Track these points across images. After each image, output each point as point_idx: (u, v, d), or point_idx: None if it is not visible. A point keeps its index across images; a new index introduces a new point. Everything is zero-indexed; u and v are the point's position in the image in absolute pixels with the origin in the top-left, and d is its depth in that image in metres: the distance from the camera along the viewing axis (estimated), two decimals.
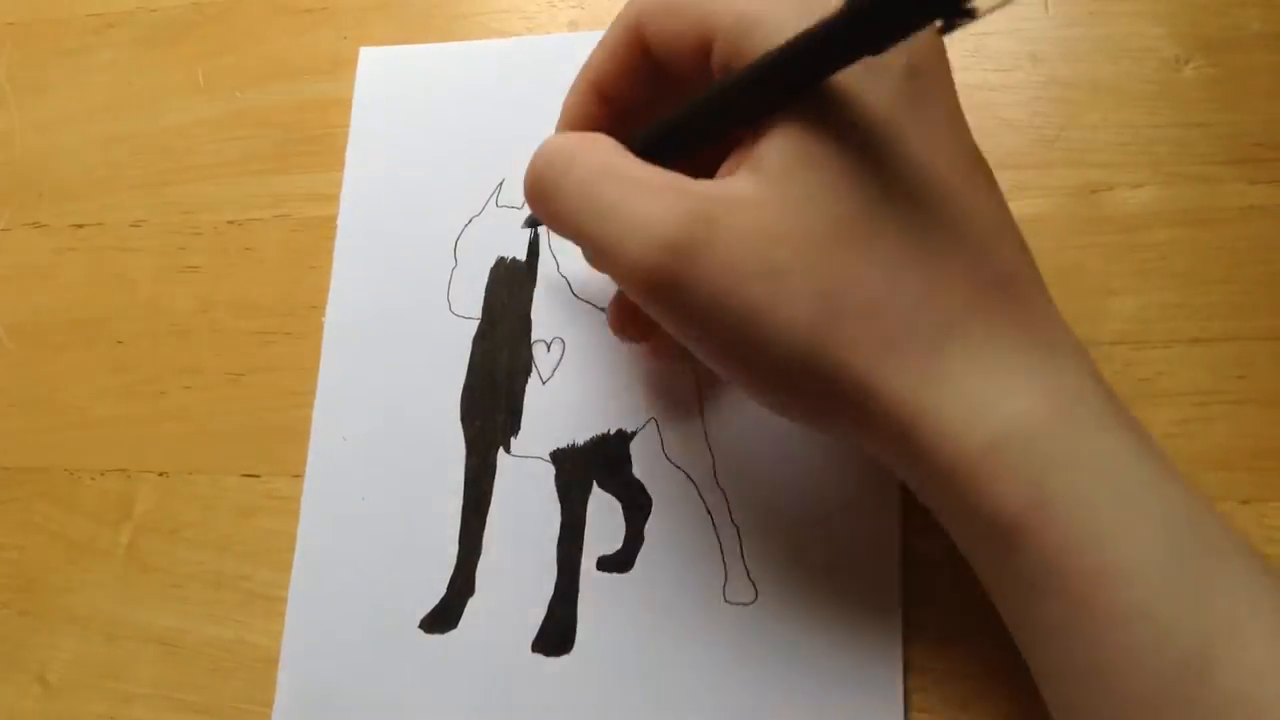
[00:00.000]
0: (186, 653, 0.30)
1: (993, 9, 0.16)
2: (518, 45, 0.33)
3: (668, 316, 0.19)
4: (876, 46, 0.17)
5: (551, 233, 0.29)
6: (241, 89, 0.35)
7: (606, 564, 0.28)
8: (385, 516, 0.30)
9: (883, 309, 0.18)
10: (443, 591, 0.29)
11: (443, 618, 0.28)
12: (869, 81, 0.19)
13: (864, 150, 0.18)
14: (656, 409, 0.29)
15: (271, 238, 0.33)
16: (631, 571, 0.28)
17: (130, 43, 0.37)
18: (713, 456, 0.28)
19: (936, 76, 0.20)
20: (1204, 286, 0.27)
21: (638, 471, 0.29)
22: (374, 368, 0.31)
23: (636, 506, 0.28)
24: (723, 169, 0.20)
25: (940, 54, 0.20)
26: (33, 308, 0.35)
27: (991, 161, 0.28)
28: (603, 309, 0.29)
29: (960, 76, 0.29)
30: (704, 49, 0.20)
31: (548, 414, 0.29)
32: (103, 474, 0.33)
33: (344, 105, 0.34)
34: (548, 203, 0.20)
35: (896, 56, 0.18)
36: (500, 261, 0.31)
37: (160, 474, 0.32)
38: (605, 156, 0.20)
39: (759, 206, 0.18)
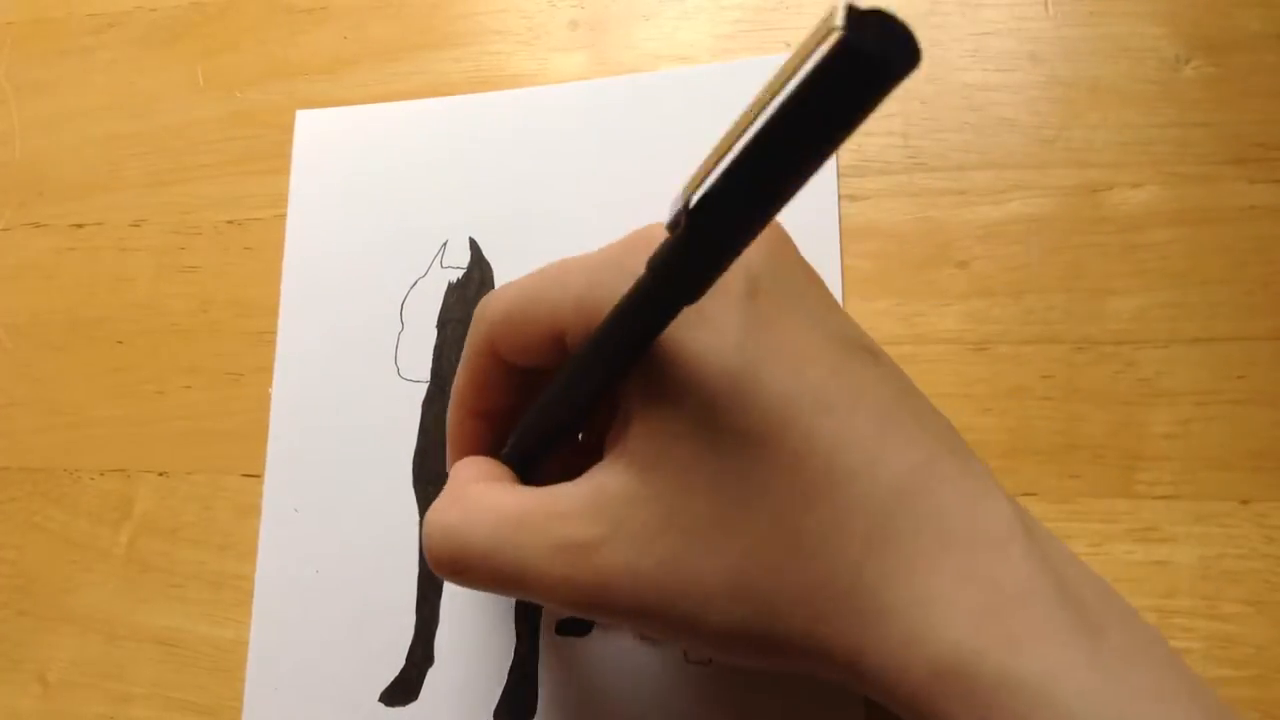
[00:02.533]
0: (186, 653, 0.30)
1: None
2: (457, 103, 0.33)
3: (611, 623, 0.20)
4: (686, 300, 0.16)
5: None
6: (241, 89, 0.35)
7: (566, 628, 0.28)
8: (340, 589, 0.29)
9: (792, 561, 0.18)
10: (401, 663, 0.28)
11: (403, 689, 0.28)
12: (709, 327, 0.18)
13: (719, 407, 0.18)
14: None
15: (271, 238, 0.33)
16: (591, 634, 0.27)
17: (130, 42, 0.37)
18: None
19: (783, 278, 0.19)
20: (1204, 286, 0.27)
21: None
22: (323, 436, 0.31)
23: None
24: (605, 447, 0.20)
25: (781, 248, 0.20)
26: (33, 308, 0.35)
27: (992, 161, 0.29)
28: None
29: (960, 76, 0.29)
30: (559, 344, 0.20)
31: None
32: (103, 474, 0.33)
33: (343, 105, 0.34)
34: (464, 583, 0.21)
35: (734, 281, 0.18)
36: (447, 323, 0.31)
37: (160, 474, 0.32)
38: (487, 516, 0.20)
39: (637, 501, 0.19)
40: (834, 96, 0.12)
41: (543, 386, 0.22)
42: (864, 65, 0.11)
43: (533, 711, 0.27)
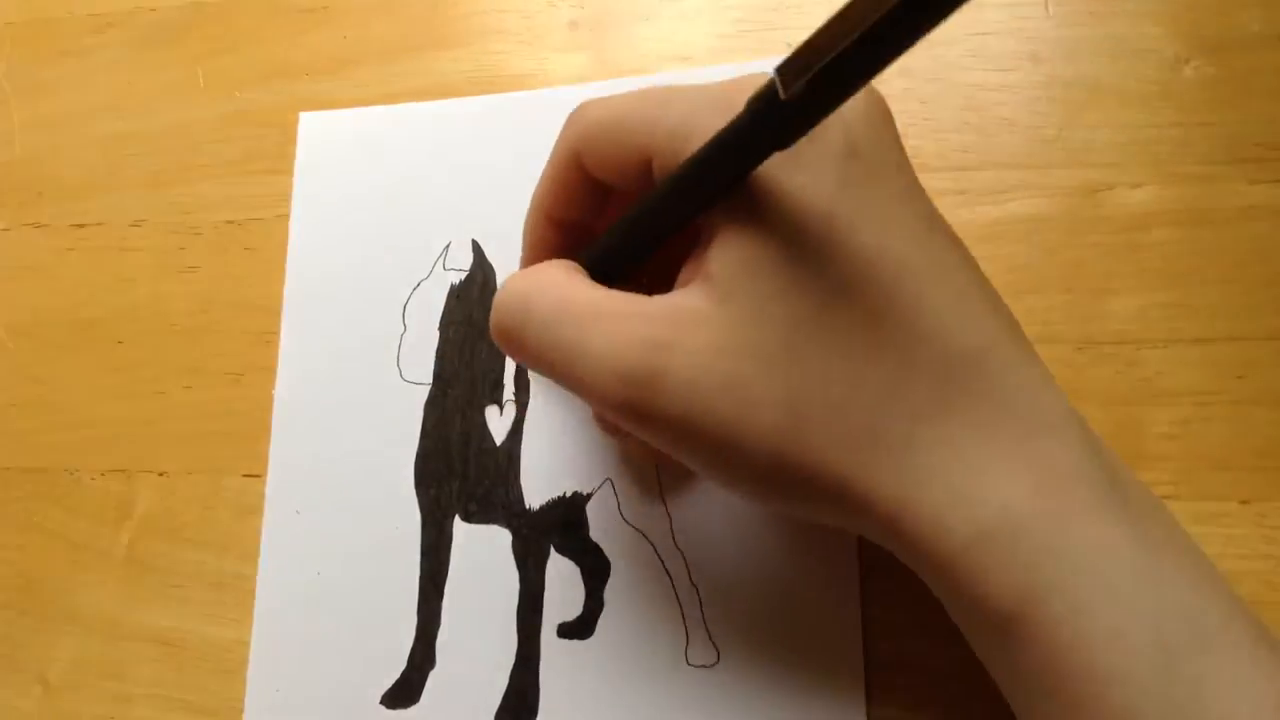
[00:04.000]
0: (186, 653, 0.30)
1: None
2: (460, 105, 0.33)
3: (644, 435, 0.20)
4: (783, 142, 0.17)
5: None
6: (241, 89, 0.35)
7: (567, 631, 0.28)
8: (342, 591, 0.29)
9: (850, 406, 0.18)
10: (403, 665, 0.28)
11: (404, 692, 0.28)
12: (808, 173, 0.19)
13: (808, 248, 0.19)
14: (612, 470, 0.29)
15: (271, 238, 0.33)
16: (592, 637, 0.27)
17: (130, 43, 0.37)
18: (670, 517, 0.28)
19: (880, 150, 0.20)
20: (1204, 286, 0.27)
21: (595, 534, 0.28)
22: (326, 438, 0.31)
23: (595, 570, 0.28)
24: (680, 277, 0.21)
25: (882, 124, 0.20)
26: (33, 308, 0.35)
27: (991, 161, 0.29)
28: None
29: (960, 76, 0.29)
30: (645, 167, 0.20)
31: (502, 479, 0.29)
32: (103, 474, 0.33)
33: (344, 105, 0.34)
34: (515, 351, 0.21)
35: (835, 139, 0.19)
36: (449, 325, 0.31)
37: (160, 474, 0.32)
38: (560, 293, 0.20)
39: (711, 322, 0.19)
40: None
41: (619, 209, 0.22)
42: None
43: (534, 714, 0.27)
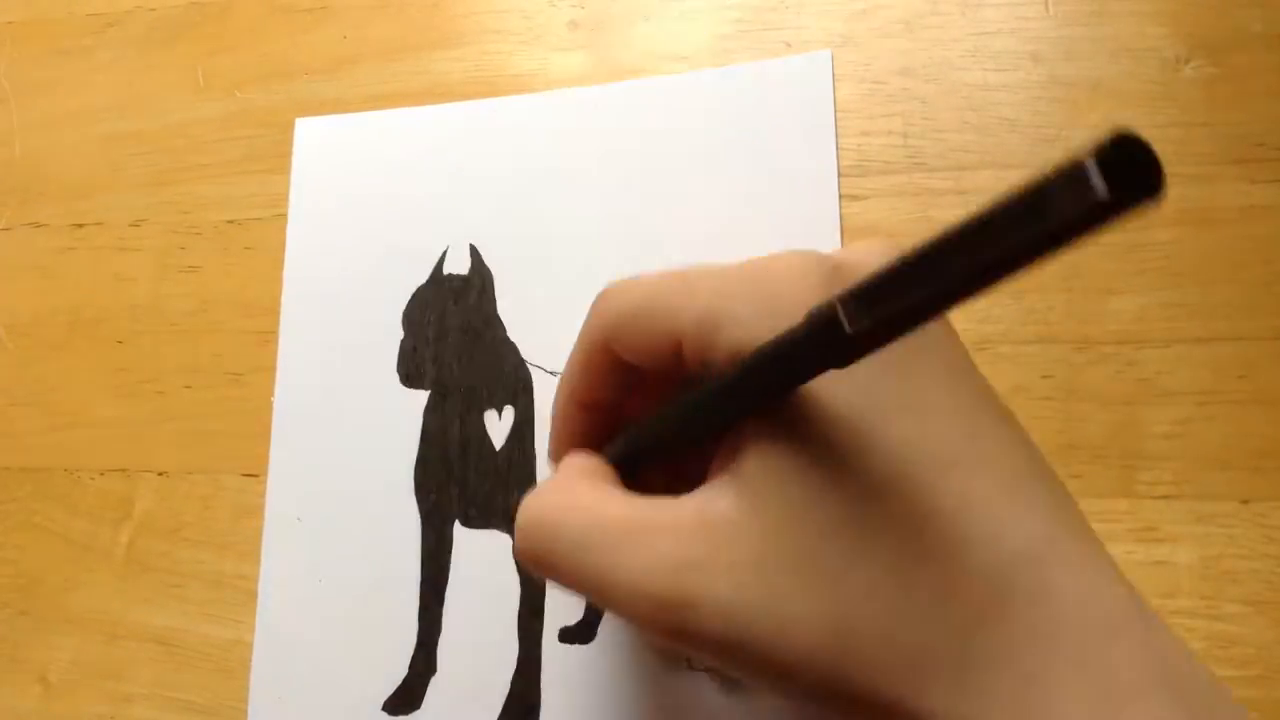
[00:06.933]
0: (186, 653, 0.30)
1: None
2: (457, 110, 0.33)
3: (687, 652, 0.19)
4: (840, 363, 0.16)
5: (498, 301, 0.30)
6: (241, 89, 0.35)
7: (568, 635, 0.28)
8: (343, 598, 0.29)
9: (897, 622, 0.17)
10: (404, 671, 0.28)
11: (406, 698, 0.28)
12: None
13: (840, 445, 0.18)
14: None
15: (271, 238, 0.33)
16: (594, 641, 0.27)
17: (130, 42, 0.37)
18: None
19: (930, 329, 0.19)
20: (1204, 286, 0.27)
21: None
22: (325, 445, 0.31)
23: None
24: (710, 473, 0.20)
25: None
26: (33, 308, 0.35)
27: (991, 161, 0.29)
28: (552, 373, 0.29)
29: (960, 76, 0.29)
30: (675, 351, 0.20)
31: (502, 483, 0.29)
32: (103, 474, 0.33)
33: (344, 105, 0.34)
34: (545, 574, 0.20)
35: None
36: (448, 330, 0.31)
37: (160, 474, 0.32)
38: (586, 516, 0.19)
39: (744, 534, 0.18)
40: (1058, 221, 0.12)
41: (650, 385, 0.22)
42: (1102, 208, 0.11)
43: (536, 719, 0.27)
